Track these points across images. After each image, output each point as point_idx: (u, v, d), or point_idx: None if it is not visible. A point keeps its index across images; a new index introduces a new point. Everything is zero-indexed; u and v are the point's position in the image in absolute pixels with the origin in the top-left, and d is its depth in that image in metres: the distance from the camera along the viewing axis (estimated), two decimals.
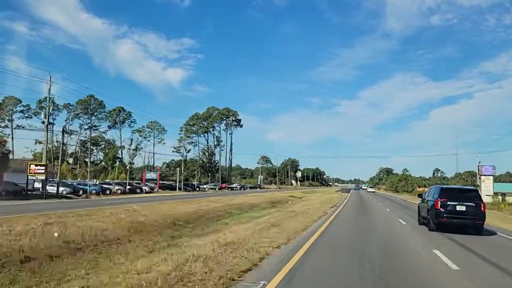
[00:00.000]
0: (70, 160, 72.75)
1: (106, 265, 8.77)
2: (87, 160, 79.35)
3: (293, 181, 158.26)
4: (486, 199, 49.40)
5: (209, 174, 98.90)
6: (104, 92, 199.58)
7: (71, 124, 79.09)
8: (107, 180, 57.94)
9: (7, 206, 21.52)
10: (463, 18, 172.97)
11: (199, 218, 21.17)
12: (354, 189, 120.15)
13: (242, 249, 8.70)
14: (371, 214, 23.41)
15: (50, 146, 75.63)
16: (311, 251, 9.10)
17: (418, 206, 18.13)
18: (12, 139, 69.28)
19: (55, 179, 39.99)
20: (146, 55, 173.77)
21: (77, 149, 78.33)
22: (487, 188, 48.89)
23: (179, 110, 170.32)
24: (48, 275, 8.02)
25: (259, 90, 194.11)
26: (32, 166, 33.49)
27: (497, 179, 64.38)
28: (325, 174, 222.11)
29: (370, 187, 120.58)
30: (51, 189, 35.88)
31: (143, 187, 52.10)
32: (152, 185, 56.68)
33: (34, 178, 33.18)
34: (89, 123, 77.14)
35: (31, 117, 75.93)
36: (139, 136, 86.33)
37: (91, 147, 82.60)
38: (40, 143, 75.73)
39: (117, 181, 55.07)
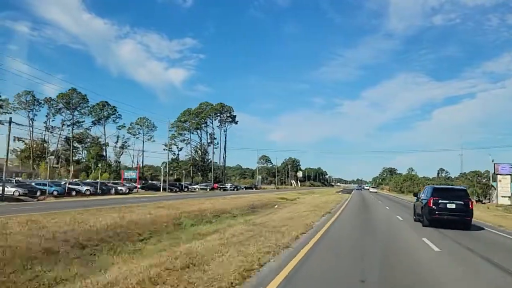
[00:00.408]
0: (52, 158, 68.03)
1: None
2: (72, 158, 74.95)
3: (293, 181, 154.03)
4: (502, 201, 43.25)
5: (203, 174, 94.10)
6: (104, 92, 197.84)
7: (52, 120, 74.88)
8: (88, 180, 53.35)
9: None
10: (466, 18, 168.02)
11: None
12: (357, 189, 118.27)
13: None
14: (378, 233, 14.01)
15: (28, 143, 71.61)
16: None
17: (414, 205, 19.55)
18: None
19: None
20: (148, 55, 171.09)
21: (59, 147, 73.69)
22: (503, 189, 41.95)
23: (181, 110, 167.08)
24: None
25: (261, 90, 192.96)
26: None
27: None
28: (327, 174, 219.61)
29: (372, 187, 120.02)
30: (7, 190, 31.62)
31: (120, 188, 47.47)
32: (130, 185, 52.00)
33: None
34: (71, 118, 72.34)
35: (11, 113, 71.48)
36: (128, 132, 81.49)
37: (77, 144, 78.06)
38: (19, 140, 71.59)
39: (88, 180, 50.42)
